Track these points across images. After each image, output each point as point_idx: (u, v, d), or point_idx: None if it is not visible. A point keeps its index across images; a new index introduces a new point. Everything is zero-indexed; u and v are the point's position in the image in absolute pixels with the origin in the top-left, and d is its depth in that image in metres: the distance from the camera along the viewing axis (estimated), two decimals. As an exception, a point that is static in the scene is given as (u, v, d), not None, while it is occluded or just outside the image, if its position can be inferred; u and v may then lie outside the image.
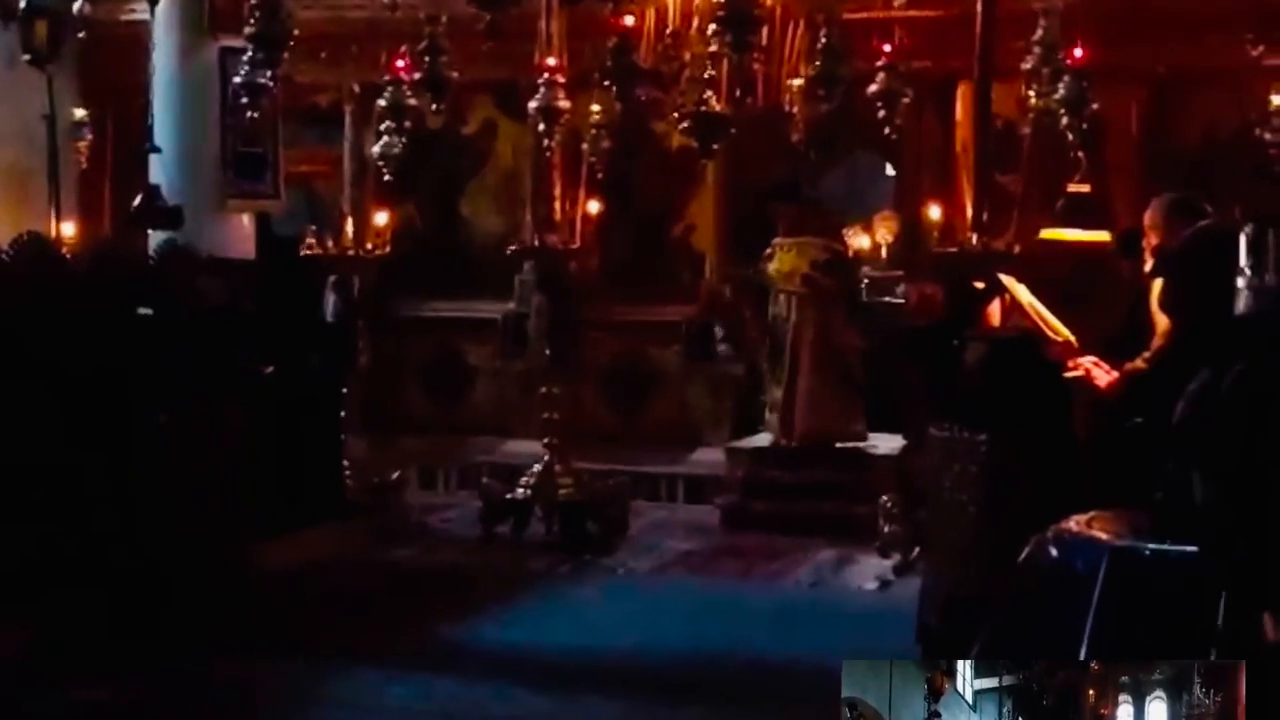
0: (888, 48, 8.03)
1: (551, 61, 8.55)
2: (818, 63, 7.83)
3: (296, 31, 7.18)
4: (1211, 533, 3.42)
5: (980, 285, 6.84)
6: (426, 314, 11.35)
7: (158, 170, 9.31)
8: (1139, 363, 5.69)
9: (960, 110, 10.05)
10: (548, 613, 7.47)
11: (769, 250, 9.90)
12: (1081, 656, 3.40)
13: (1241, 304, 3.51)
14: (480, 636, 6.94)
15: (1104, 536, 3.74)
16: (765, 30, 7.31)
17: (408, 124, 8.86)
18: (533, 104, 8.45)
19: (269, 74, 7.60)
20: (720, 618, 7.29)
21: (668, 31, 8.52)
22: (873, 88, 7.97)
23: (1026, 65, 7.56)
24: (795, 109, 8.83)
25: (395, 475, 9.68)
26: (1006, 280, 6.51)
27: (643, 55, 8.20)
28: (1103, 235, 7.33)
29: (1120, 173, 9.71)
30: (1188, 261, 4.36)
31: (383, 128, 9.00)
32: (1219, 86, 9.90)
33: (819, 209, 10.68)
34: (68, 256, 8.43)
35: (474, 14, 7.24)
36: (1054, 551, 3.84)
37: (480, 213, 11.60)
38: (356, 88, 11.20)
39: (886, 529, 8.50)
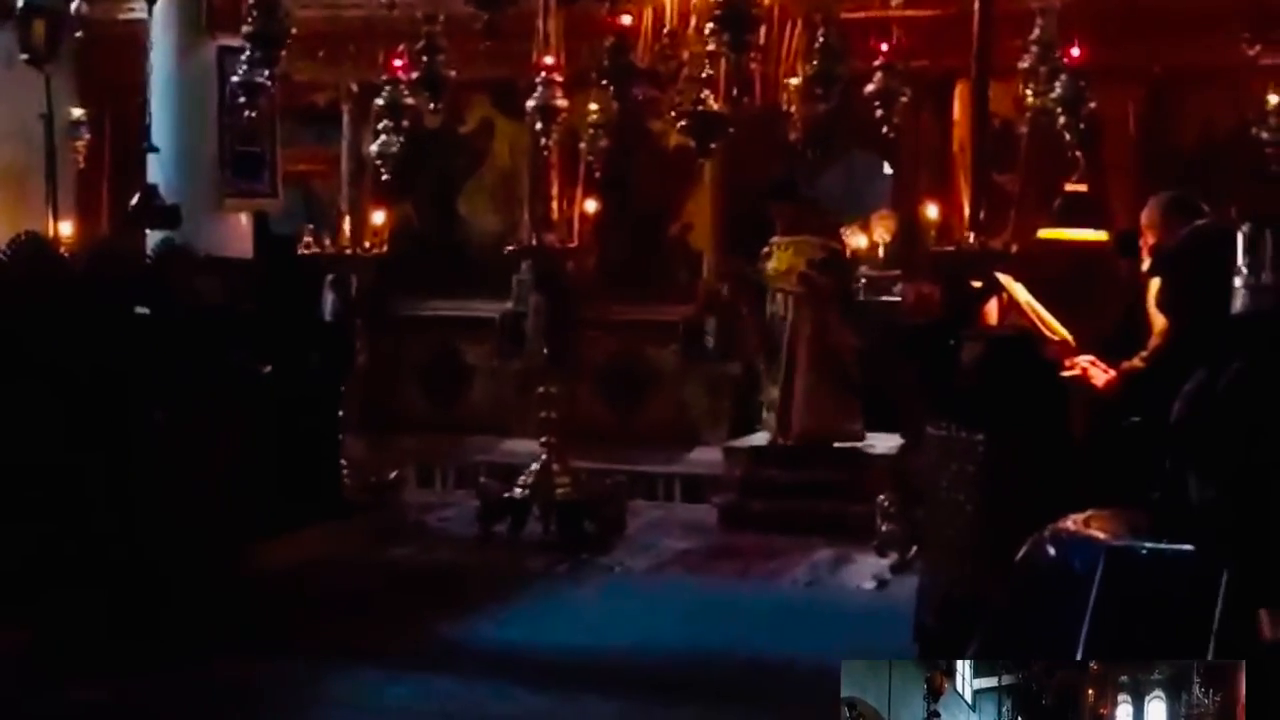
0: (885, 47, 8.04)
1: (549, 61, 8.55)
2: (815, 62, 7.84)
3: (294, 30, 7.17)
4: (1209, 532, 3.43)
5: (977, 284, 6.85)
6: (424, 313, 11.35)
7: (155, 169, 9.30)
8: (1136, 362, 5.71)
9: (957, 109, 10.06)
10: (545, 612, 7.48)
11: (767, 249, 9.91)
12: (1079, 656, 3.40)
13: (1238, 303, 3.52)
14: (478, 635, 6.95)
15: (1101, 536, 3.74)
16: (763, 29, 7.30)
17: (405, 123, 8.87)
18: (530, 103, 8.45)
19: (266, 73, 7.59)
20: (717, 617, 7.30)
21: (665, 31, 8.52)
22: (870, 87, 7.98)
23: (1024, 64, 7.56)
24: (793, 108, 8.84)
25: (393, 474, 9.68)
26: (1004, 279, 6.52)
27: (640, 54, 8.20)
28: (1100, 234, 7.35)
29: (1117, 172, 9.71)
30: (1185, 261, 4.36)
31: (380, 127, 9.00)
32: (1216, 86, 9.90)
33: (816, 208, 10.70)
34: (65, 256, 8.43)
35: (471, 13, 7.23)
36: (1051, 550, 3.84)
37: (478, 212, 11.60)
38: (354, 87, 11.19)
39: (884, 528, 8.51)
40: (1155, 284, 5.29)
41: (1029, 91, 7.57)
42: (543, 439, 9.08)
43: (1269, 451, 3.36)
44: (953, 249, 7.51)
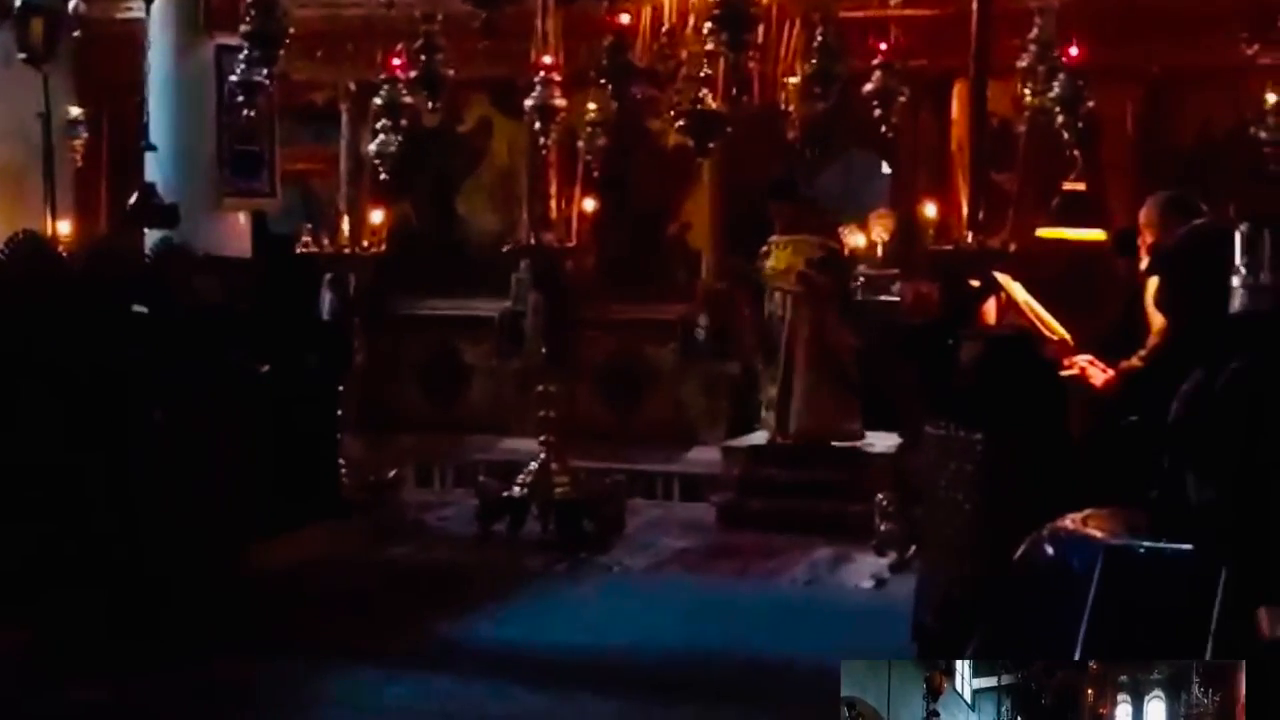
0: (883, 46, 8.05)
1: (547, 60, 8.55)
2: (813, 61, 7.85)
3: (292, 29, 7.18)
4: (1207, 531, 3.43)
5: (976, 283, 6.85)
6: (423, 312, 11.36)
7: (153, 168, 9.29)
8: (1134, 361, 5.71)
9: (956, 108, 10.07)
10: (544, 611, 7.48)
11: (765, 248, 9.91)
12: (1077, 655, 3.40)
13: (1236, 302, 3.52)
14: (477, 634, 6.95)
15: (1099, 535, 3.74)
16: (761, 28, 7.30)
17: (404, 122, 8.86)
18: (529, 102, 8.46)
19: (265, 72, 7.59)
20: (716, 616, 7.30)
21: (663, 30, 8.52)
22: (868, 86, 7.98)
23: (1022, 63, 7.56)
24: (791, 107, 8.84)
25: (392, 473, 9.69)
26: (1002, 278, 6.53)
27: (638, 54, 8.21)
28: (1098, 234, 7.35)
29: (1116, 171, 9.72)
30: (1183, 260, 4.36)
31: (379, 126, 9.00)
32: (1214, 85, 9.92)
33: (815, 207, 10.71)
34: (63, 255, 8.42)
35: (470, 12, 7.23)
36: (1049, 550, 3.84)
37: (476, 211, 11.60)
38: (352, 86, 11.20)
39: (882, 527, 8.52)
40: (1153, 283, 5.30)
41: (1027, 91, 7.58)
42: (541, 438, 9.08)
43: (1267, 451, 3.37)
44: (951, 248, 7.53)
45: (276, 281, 9.25)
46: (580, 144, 9.44)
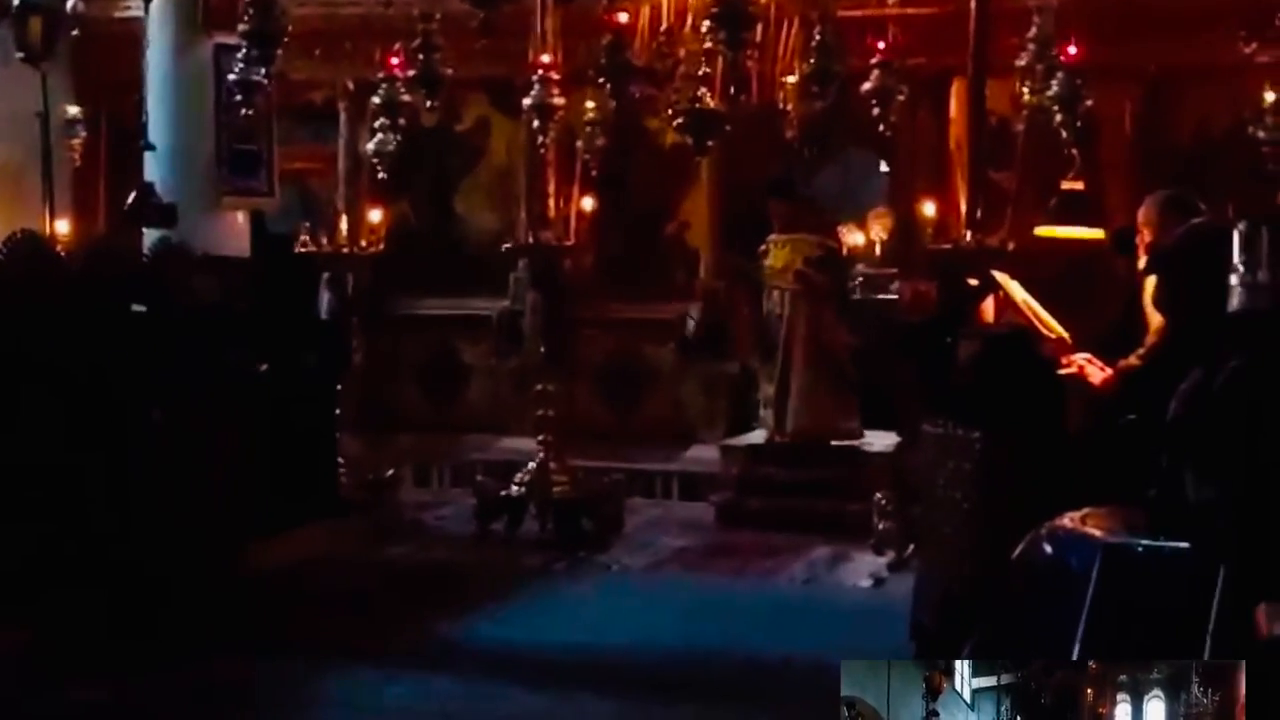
0: (882, 45, 8.04)
1: (546, 59, 8.56)
2: (812, 60, 7.84)
3: (290, 28, 7.18)
4: (1205, 530, 3.43)
5: (974, 282, 6.85)
6: (421, 311, 11.36)
7: (152, 168, 9.29)
8: (1133, 360, 5.71)
9: (954, 107, 10.08)
10: (542, 610, 7.48)
11: (763, 247, 9.91)
12: (1075, 653, 3.41)
13: (1235, 301, 3.52)
14: (475, 634, 6.95)
15: (1098, 533, 3.75)
16: (759, 27, 7.31)
17: (402, 121, 8.86)
18: (527, 101, 8.46)
19: (263, 71, 7.60)
20: (714, 615, 7.30)
21: (662, 29, 8.53)
22: (867, 85, 7.98)
23: (1020, 62, 7.57)
24: (789, 106, 8.84)
25: (390, 473, 9.69)
26: (1000, 277, 6.53)
27: (637, 52, 8.21)
28: (1096, 233, 7.35)
29: (1114, 170, 9.73)
30: (1181, 259, 4.36)
31: (377, 125, 9.00)
32: (1212, 84, 9.93)
33: (813, 206, 10.72)
34: (62, 254, 8.41)
35: (468, 11, 7.24)
36: (1048, 548, 3.85)
37: (475, 210, 11.61)
38: (351, 85, 11.20)
39: (881, 526, 8.52)
40: (1152, 282, 5.29)
41: (1026, 89, 7.58)
42: (540, 437, 9.08)
43: (1266, 450, 3.37)
44: (949, 247, 7.53)
45: (275, 281, 9.26)
46: (578, 143, 9.44)
